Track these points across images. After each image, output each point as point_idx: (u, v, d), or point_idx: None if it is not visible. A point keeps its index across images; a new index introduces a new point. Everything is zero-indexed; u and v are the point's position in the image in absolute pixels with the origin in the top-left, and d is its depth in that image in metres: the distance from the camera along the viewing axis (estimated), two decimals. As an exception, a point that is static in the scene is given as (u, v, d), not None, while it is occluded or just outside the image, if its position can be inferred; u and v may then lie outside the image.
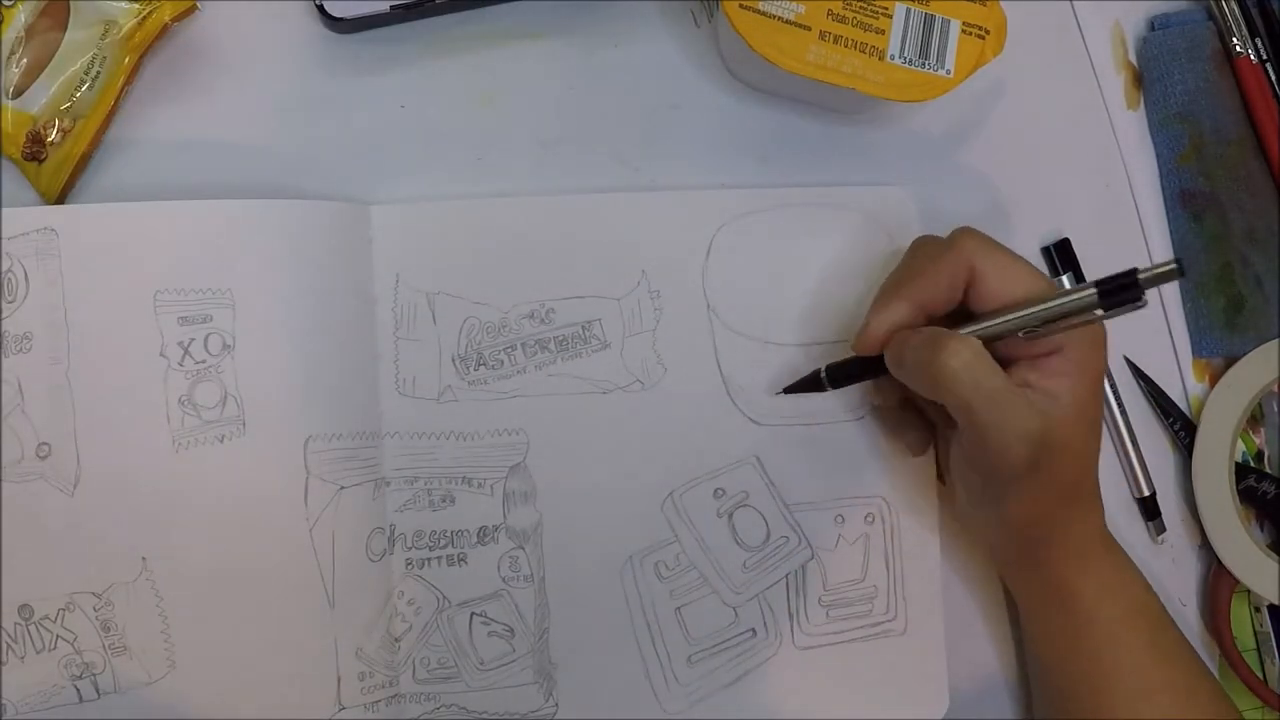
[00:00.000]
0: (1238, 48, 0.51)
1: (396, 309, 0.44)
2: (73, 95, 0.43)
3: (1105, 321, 0.38)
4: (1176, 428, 0.51)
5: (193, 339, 0.42)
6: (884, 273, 0.47)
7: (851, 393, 0.47)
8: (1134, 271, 0.35)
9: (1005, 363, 0.39)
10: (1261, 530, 0.52)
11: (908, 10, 0.43)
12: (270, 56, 0.45)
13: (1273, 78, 0.51)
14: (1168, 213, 0.51)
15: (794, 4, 0.42)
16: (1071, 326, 0.38)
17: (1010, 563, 0.44)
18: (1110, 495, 0.50)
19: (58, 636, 0.41)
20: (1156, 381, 0.51)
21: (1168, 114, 0.51)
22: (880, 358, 0.42)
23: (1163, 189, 0.52)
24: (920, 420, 0.45)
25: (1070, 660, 0.42)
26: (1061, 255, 0.50)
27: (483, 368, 0.45)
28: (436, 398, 0.45)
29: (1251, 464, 0.52)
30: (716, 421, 0.46)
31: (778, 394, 0.46)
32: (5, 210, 0.42)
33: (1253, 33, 0.51)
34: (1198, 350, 0.51)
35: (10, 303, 0.41)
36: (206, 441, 0.42)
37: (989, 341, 0.39)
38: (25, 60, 0.42)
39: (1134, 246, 0.51)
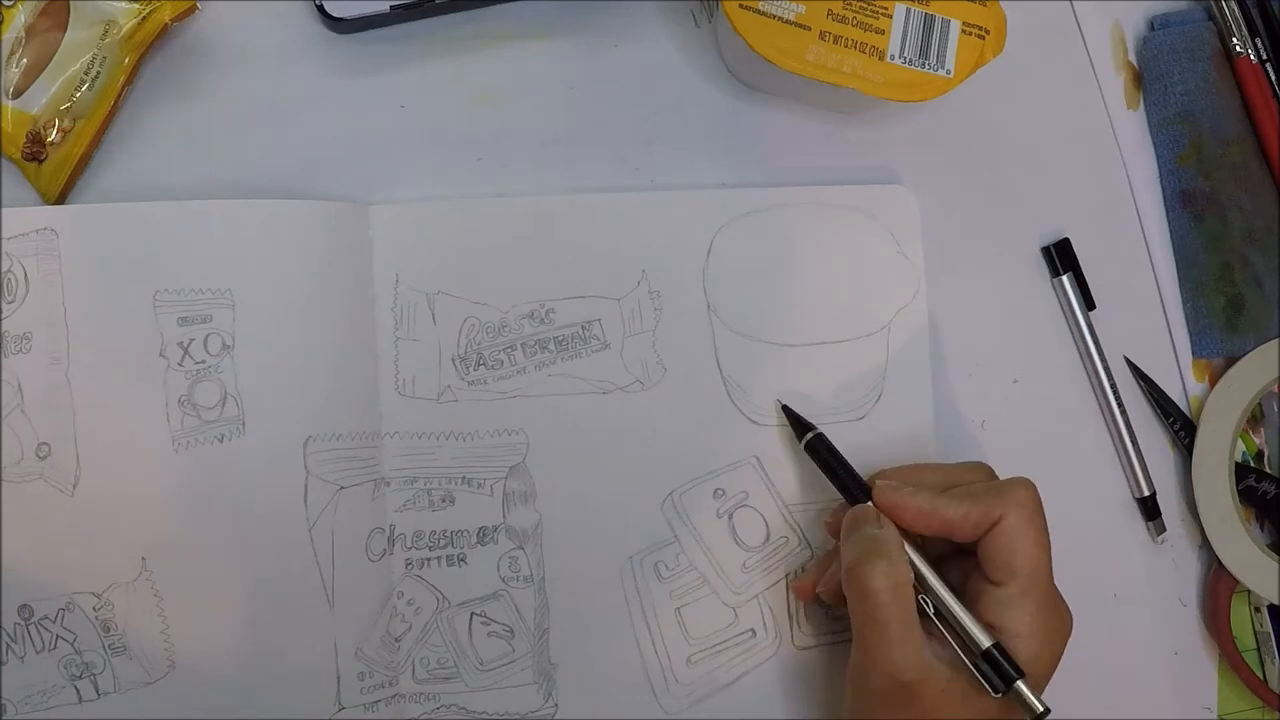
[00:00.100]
0: (1238, 48, 0.51)
1: (396, 309, 0.44)
2: (73, 95, 0.43)
3: (1022, 474, 0.41)
4: (1176, 428, 0.51)
5: (192, 339, 0.42)
6: (885, 272, 0.47)
7: (853, 391, 0.47)
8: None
9: (966, 584, 0.41)
10: (1261, 530, 0.52)
11: (908, 10, 0.43)
12: (270, 56, 0.45)
13: (1273, 78, 0.51)
14: (1168, 213, 0.51)
15: (794, 4, 0.42)
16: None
17: None
18: (1110, 495, 0.50)
19: (58, 636, 0.41)
20: (1156, 381, 0.51)
21: (1168, 114, 0.51)
22: (862, 490, 0.43)
23: (1163, 189, 0.52)
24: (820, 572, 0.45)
25: None
26: (1061, 255, 0.50)
27: (482, 368, 0.45)
28: (436, 398, 0.45)
29: (1251, 464, 0.52)
30: (716, 421, 0.46)
31: (779, 400, 0.46)
32: (5, 210, 0.42)
33: (1253, 33, 0.51)
34: (1198, 350, 0.51)
35: (10, 303, 0.41)
36: (206, 441, 0.42)
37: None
38: (25, 60, 0.42)
39: (1134, 246, 0.51)
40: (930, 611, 0.40)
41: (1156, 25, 0.52)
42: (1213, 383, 0.51)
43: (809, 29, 0.42)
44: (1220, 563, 0.50)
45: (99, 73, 0.43)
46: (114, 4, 0.43)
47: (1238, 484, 0.50)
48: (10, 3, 0.42)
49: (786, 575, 0.47)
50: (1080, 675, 0.49)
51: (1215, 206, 0.50)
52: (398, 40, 0.46)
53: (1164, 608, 0.51)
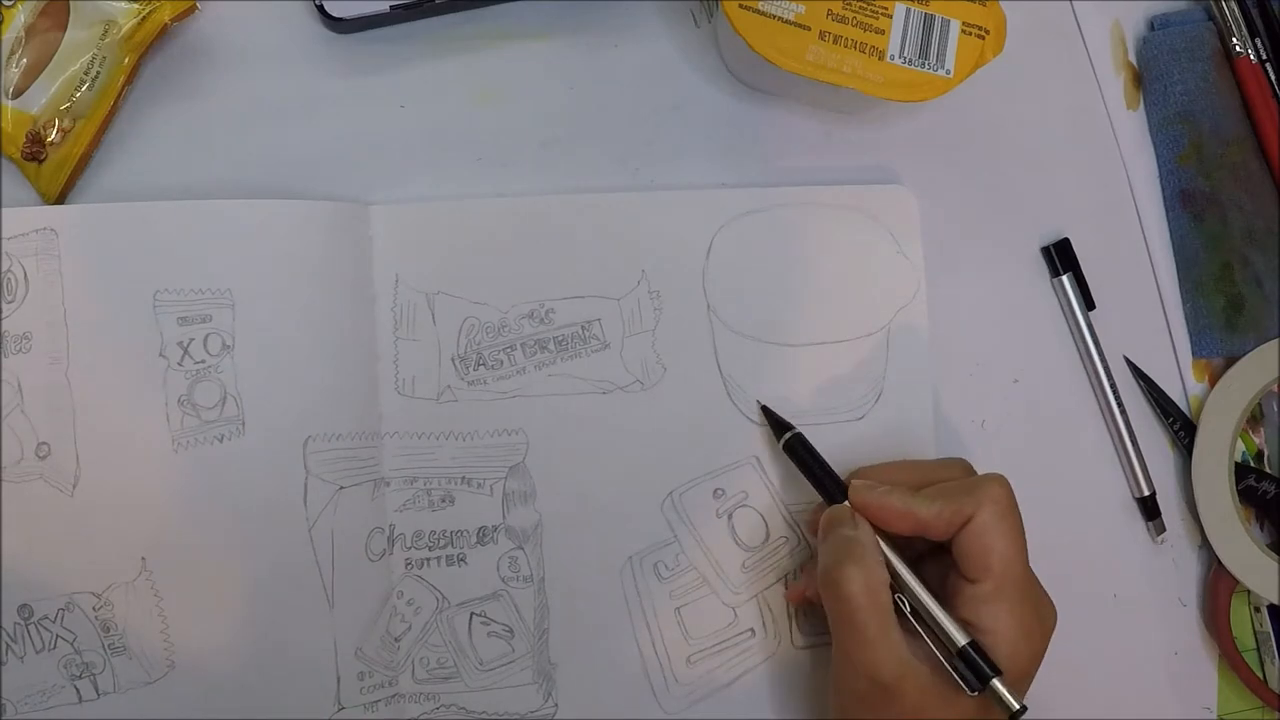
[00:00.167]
0: (1238, 48, 0.51)
1: (396, 309, 0.44)
2: (73, 95, 0.43)
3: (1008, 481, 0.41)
4: (1176, 428, 0.51)
5: (192, 339, 0.42)
6: (885, 272, 0.47)
7: (852, 391, 0.47)
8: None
9: (943, 582, 0.41)
10: (1261, 530, 0.52)
11: (908, 10, 0.43)
12: (270, 56, 0.45)
13: (1273, 78, 0.51)
14: (1168, 213, 0.51)
15: (794, 4, 0.42)
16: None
17: None
18: (1110, 495, 0.50)
19: (57, 636, 0.41)
20: (1156, 381, 0.51)
21: (1168, 114, 0.51)
22: (839, 489, 0.43)
23: (1163, 189, 0.52)
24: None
25: None
26: (1061, 255, 0.50)
27: (482, 368, 0.45)
28: (436, 398, 0.45)
29: (1251, 464, 0.52)
30: (716, 421, 0.46)
31: (759, 400, 0.46)
32: (5, 210, 0.42)
33: (1253, 33, 0.51)
34: (1198, 350, 0.51)
35: (10, 303, 0.41)
36: (206, 441, 0.42)
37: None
38: (25, 60, 0.42)
39: (1134, 246, 0.51)
40: (907, 610, 0.40)
41: (1156, 25, 0.52)
42: (1213, 383, 0.51)
43: (809, 29, 0.42)
44: (1220, 563, 0.50)
45: (99, 73, 0.43)
46: (114, 4, 0.43)
47: (1238, 484, 0.50)
48: (10, 3, 0.42)
49: (786, 575, 0.47)
50: (1080, 675, 0.49)
51: (1215, 206, 0.50)
52: (398, 40, 0.46)
53: (1164, 608, 0.51)
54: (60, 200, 0.43)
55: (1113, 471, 0.50)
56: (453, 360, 0.45)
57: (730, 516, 0.46)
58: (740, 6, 0.42)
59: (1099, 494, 0.50)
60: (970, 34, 0.43)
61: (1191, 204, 0.51)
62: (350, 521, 0.43)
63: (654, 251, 0.46)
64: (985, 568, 0.39)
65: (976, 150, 0.50)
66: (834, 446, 0.45)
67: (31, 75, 0.42)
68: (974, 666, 0.38)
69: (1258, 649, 0.51)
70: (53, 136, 0.42)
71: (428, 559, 0.44)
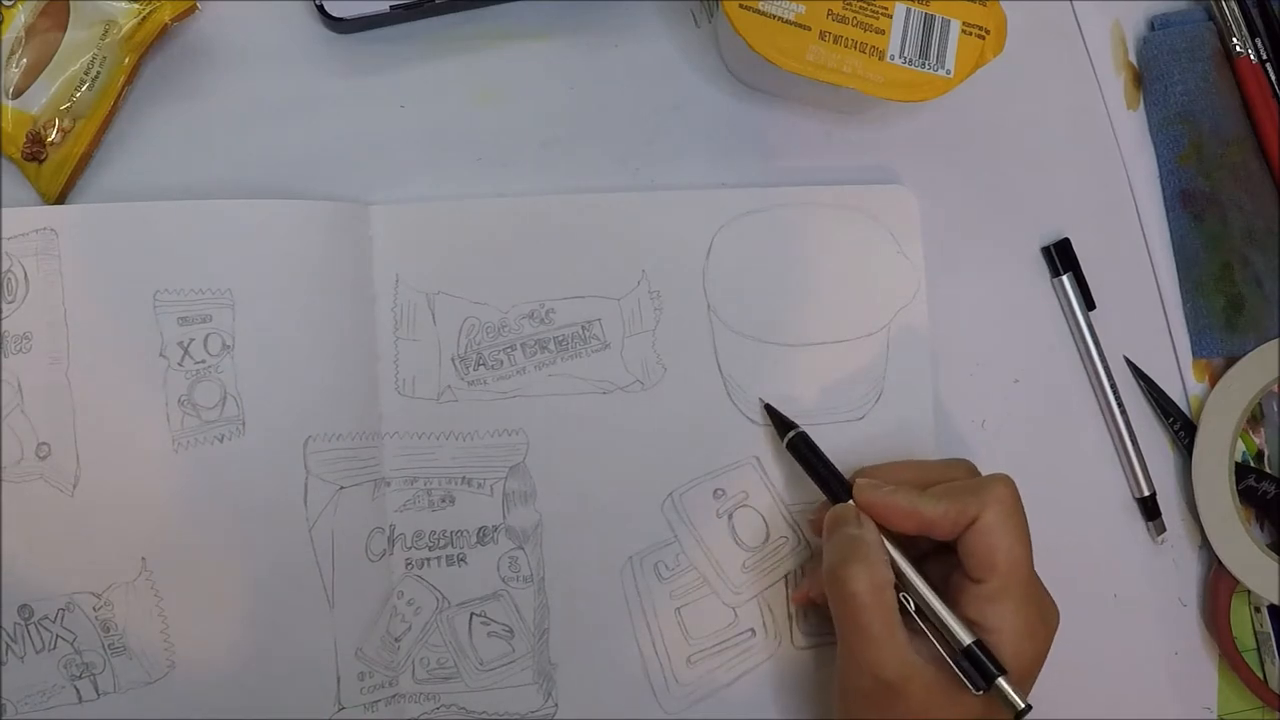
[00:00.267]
0: (1238, 48, 0.51)
1: (396, 309, 0.44)
2: (73, 95, 0.43)
3: (1018, 488, 0.41)
4: (1176, 428, 0.51)
5: (192, 339, 0.42)
6: (885, 272, 0.47)
7: (853, 391, 0.47)
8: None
9: (948, 582, 0.41)
10: (1261, 530, 0.52)
11: (908, 10, 0.43)
12: (270, 56, 0.45)
13: (1273, 78, 0.51)
14: (1168, 213, 0.51)
15: (794, 4, 0.42)
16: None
17: None
18: (1110, 495, 0.50)
19: (57, 636, 0.41)
20: (1156, 381, 0.51)
21: (1168, 114, 0.51)
22: (844, 489, 0.43)
23: (1163, 189, 0.52)
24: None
25: None
26: (1061, 255, 0.50)
27: (482, 368, 0.45)
28: (436, 398, 0.45)
29: (1251, 464, 0.52)
30: (716, 421, 0.46)
31: (762, 399, 0.46)
32: (5, 210, 0.42)
33: (1253, 33, 0.51)
34: (1198, 350, 0.51)
35: (10, 303, 0.41)
36: (206, 441, 0.42)
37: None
38: (25, 60, 0.42)
39: (1134, 246, 0.51)
40: (911, 609, 0.40)
41: (1156, 25, 0.52)
42: (1213, 383, 0.51)
43: (809, 29, 0.42)
44: (1220, 563, 0.50)
45: (99, 73, 0.43)
46: (114, 4, 0.43)
47: (1238, 484, 0.50)
48: (10, 3, 0.42)
49: (786, 575, 0.47)
50: (1080, 675, 0.49)
51: (1215, 206, 0.50)
52: (398, 40, 0.46)
53: (1164, 608, 0.51)
54: (60, 200, 0.43)
55: (1113, 471, 0.50)
56: (453, 360, 0.45)
57: (730, 516, 0.46)
58: (740, 6, 0.42)
59: (1099, 494, 0.50)
60: (970, 34, 0.43)
61: (1191, 204, 0.51)
62: (350, 521, 0.43)
63: (654, 251, 0.46)
64: (990, 567, 0.39)
65: (976, 150, 0.50)
66: (834, 446, 0.45)
67: (32, 75, 0.42)
68: (979, 665, 0.38)
69: (1258, 649, 0.51)
70: (53, 136, 0.42)
71: (428, 559, 0.44)
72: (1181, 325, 0.51)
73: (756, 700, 0.46)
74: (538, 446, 0.45)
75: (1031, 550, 0.40)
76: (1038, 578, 0.41)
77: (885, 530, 0.41)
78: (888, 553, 0.40)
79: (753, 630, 0.46)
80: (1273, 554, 0.49)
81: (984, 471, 0.43)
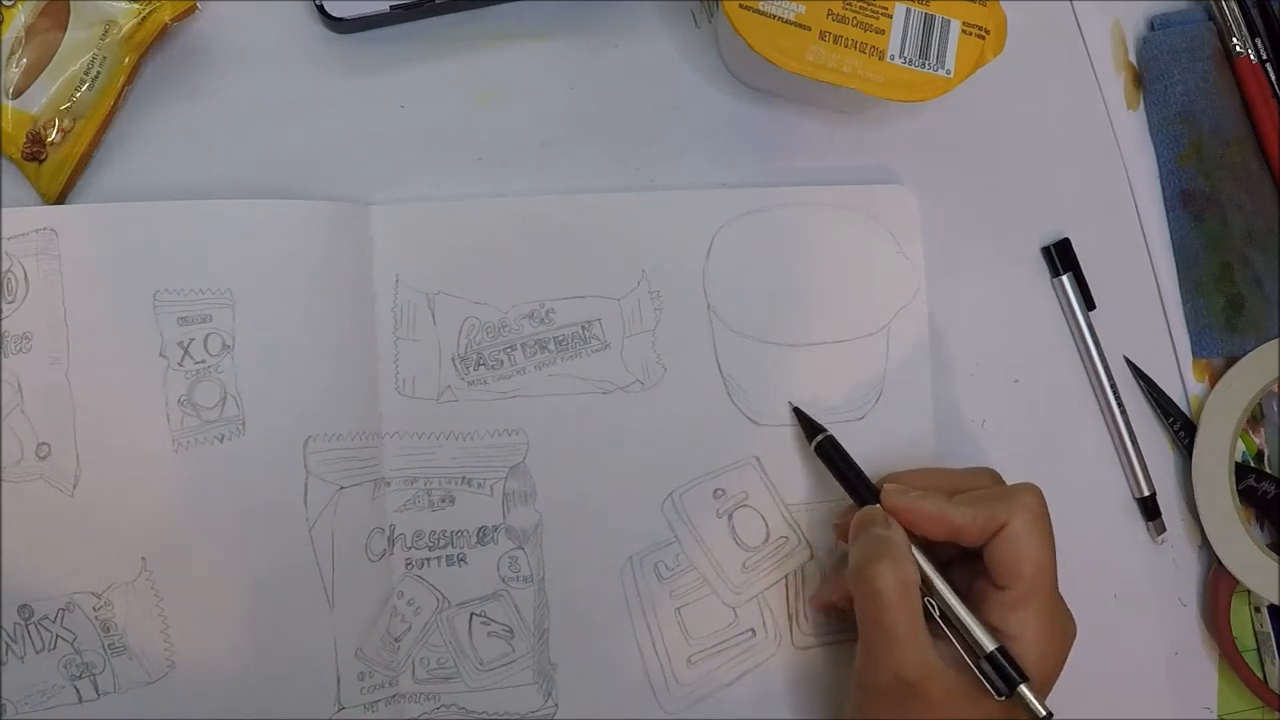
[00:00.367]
0: (1238, 48, 0.51)
1: (396, 309, 0.44)
2: (73, 95, 0.43)
3: (1042, 492, 0.41)
4: (1176, 428, 0.51)
5: (192, 339, 0.42)
6: (885, 272, 0.47)
7: (853, 391, 0.47)
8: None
9: (971, 588, 0.41)
10: (1261, 530, 0.52)
11: (908, 10, 0.43)
12: (270, 56, 0.45)
13: (1273, 78, 0.51)
14: (1168, 213, 0.51)
15: (794, 4, 0.42)
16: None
17: None
18: (1110, 495, 0.50)
19: (57, 636, 0.41)
20: (1156, 381, 0.51)
21: (1168, 114, 0.51)
22: (871, 492, 0.43)
23: (1163, 189, 0.52)
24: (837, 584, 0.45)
25: None
26: (1061, 255, 0.50)
27: (482, 368, 0.45)
28: (436, 398, 0.45)
29: (1251, 464, 0.52)
30: (716, 421, 0.46)
31: (790, 402, 0.46)
32: (5, 210, 0.42)
33: (1253, 33, 0.51)
34: (1198, 350, 0.51)
35: (10, 303, 0.41)
36: (206, 441, 0.42)
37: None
38: (25, 60, 0.42)
39: (1134, 246, 0.51)
40: (936, 614, 0.40)
41: (1156, 25, 0.52)
42: (1213, 383, 0.51)
43: (809, 29, 0.42)
44: (1220, 563, 0.50)
45: (99, 73, 0.43)
46: (114, 4, 0.43)
47: (1238, 484, 0.50)
48: (10, 3, 0.42)
49: (786, 575, 0.47)
50: (1080, 675, 0.49)
51: (1215, 206, 0.50)
52: (398, 40, 0.46)
53: (1164, 608, 0.51)
54: (60, 200, 0.43)
55: (1113, 471, 0.50)
56: (453, 360, 0.45)
57: (730, 516, 0.46)
58: (740, 6, 0.42)
59: (1099, 494, 0.50)
60: (970, 34, 0.43)
61: (1191, 204, 0.51)
62: (350, 521, 0.43)
63: (654, 251, 0.46)
64: (1016, 574, 0.39)
65: (976, 150, 0.50)
66: (834, 446, 0.45)
67: (32, 75, 0.42)
68: (1002, 672, 0.38)
69: (1258, 649, 0.51)
70: (53, 136, 0.42)
71: (428, 559, 0.44)
72: (1181, 325, 0.51)
73: (756, 700, 0.46)
74: (538, 446, 0.45)
75: (1056, 560, 0.40)
76: (1058, 588, 0.41)
77: (911, 535, 0.41)
78: (915, 556, 0.41)
79: (753, 630, 0.46)
80: (1273, 554, 0.49)
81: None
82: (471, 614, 0.44)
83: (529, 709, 0.45)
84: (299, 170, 0.45)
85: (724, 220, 0.47)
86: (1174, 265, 0.51)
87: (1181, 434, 0.51)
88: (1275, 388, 0.51)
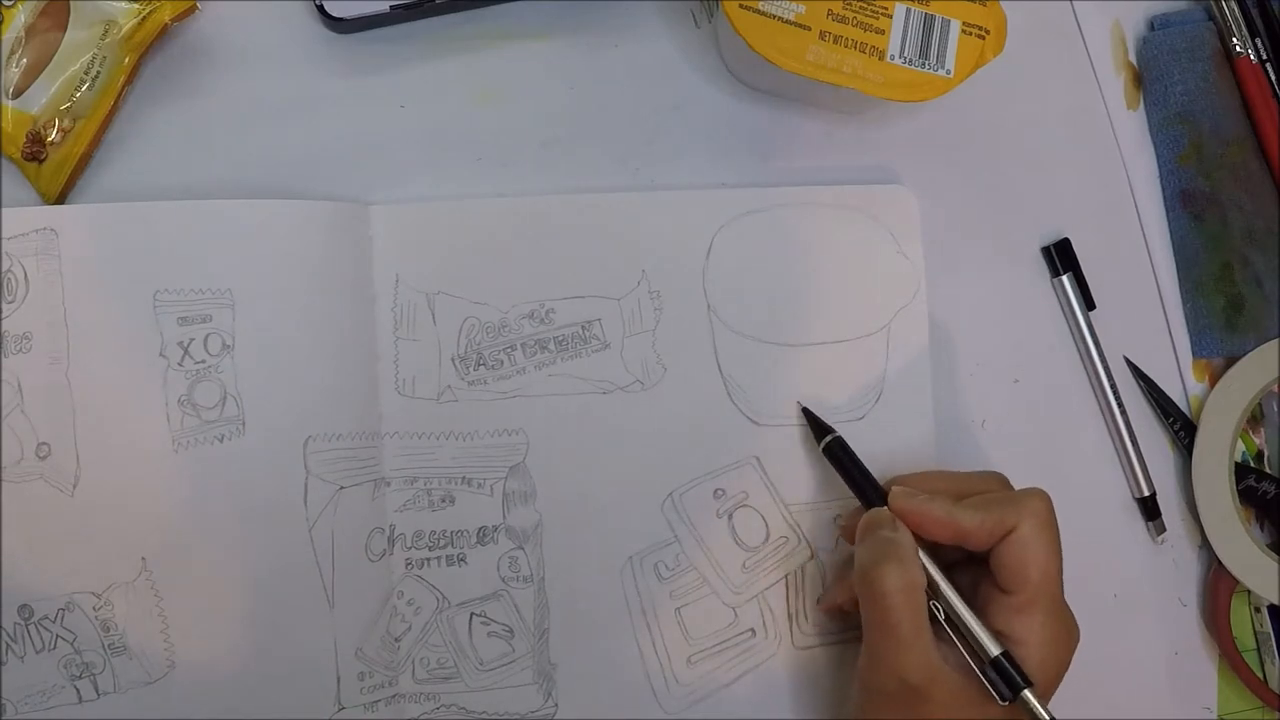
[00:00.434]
0: (1238, 48, 0.51)
1: (396, 309, 0.44)
2: (73, 95, 0.43)
3: (1049, 495, 0.41)
4: (1176, 428, 0.51)
5: (192, 339, 0.42)
6: (885, 272, 0.47)
7: (853, 391, 0.47)
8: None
9: (976, 592, 0.41)
10: (1261, 530, 0.52)
11: (908, 10, 0.43)
12: (270, 56, 0.45)
13: (1273, 78, 0.51)
14: (1168, 213, 0.51)
15: (794, 4, 0.42)
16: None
17: None
18: (1110, 495, 0.50)
19: (57, 636, 0.41)
20: (1156, 381, 0.51)
21: (1168, 114, 0.51)
22: (878, 494, 0.43)
23: (1163, 189, 0.52)
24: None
25: None
26: (1061, 255, 0.50)
27: (482, 368, 0.45)
28: (436, 398, 0.45)
29: (1251, 464, 0.52)
30: (716, 421, 0.46)
31: (799, 402, 0.46)
32: (5, 210, 0.42)
33: (1253, 33, 0.51)
34: (1198, 350, 0.51)
35: (10, 303, 0.41)
36: (206, 441, 0.42)
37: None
38: (25, 60, 0.42)
39: (1134, 246, 0.51)
40: (941, 617, 0.40)
41: (1156, 25, 0.52)
42: (1213, 383, 0.51)
43: (809, 29, 0.42)
44: (1220, 563, 0.50)
45: (99, 72, 0.43)
46: (114, 4, 0.43)
47: (1238, 484, 0.50)
48: (10, 3, 0.42)
49: (786, 575, 0.47)
50: (1080, 675, 0.49)
51: (1215, 206, 0.50)
52: (398, 40, 0.46)
53: (1164, 608, 0.51)
54: (60, 200, 0.43)
55: (1113, 471, 0.50)
56: (453, 360, 0.45)
57: (730, 516, 0.46)
58: (740, 6, 0.42)
59: (1099, 494, 0.50)
60: (970, 34, 0.43)
61: (1191, 204, 0.51)
62: (350, 521, 0.43)
63: (654, 251, 0.46)
64: (1023, 579, 0.39)
65: (976, 150, 0.50)
66: (834, 446, 0.45)
67: (31, 75, 0.42)
68: (1006, 676, 0.38)
69: (1258, 649, 0.51)
70: (53, 136, 0.42)
71: (428, 559, 0.44)
72: (1181, 325, 0.51)
73: (756, 700, 0.46)
74: (538, 446, 0.45)
75: (1062, 565, 0.40)
76: (1063, 594, 0.41)
77: (917, 539, 0.41)
78: (921, 559, 0.41)
79: (753, 630, 0.46)
80: (1273, 554, 0.49)
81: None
82: (471, 614, 0.44)
83: (529, 709, 0.45)
84: (299, 170, 0.45)
85: (724, 220, 0.47)
86: (1174, 265, 0.51)
87: (1181, 434, 0.51)
88: (1275, 388, 0.51)
